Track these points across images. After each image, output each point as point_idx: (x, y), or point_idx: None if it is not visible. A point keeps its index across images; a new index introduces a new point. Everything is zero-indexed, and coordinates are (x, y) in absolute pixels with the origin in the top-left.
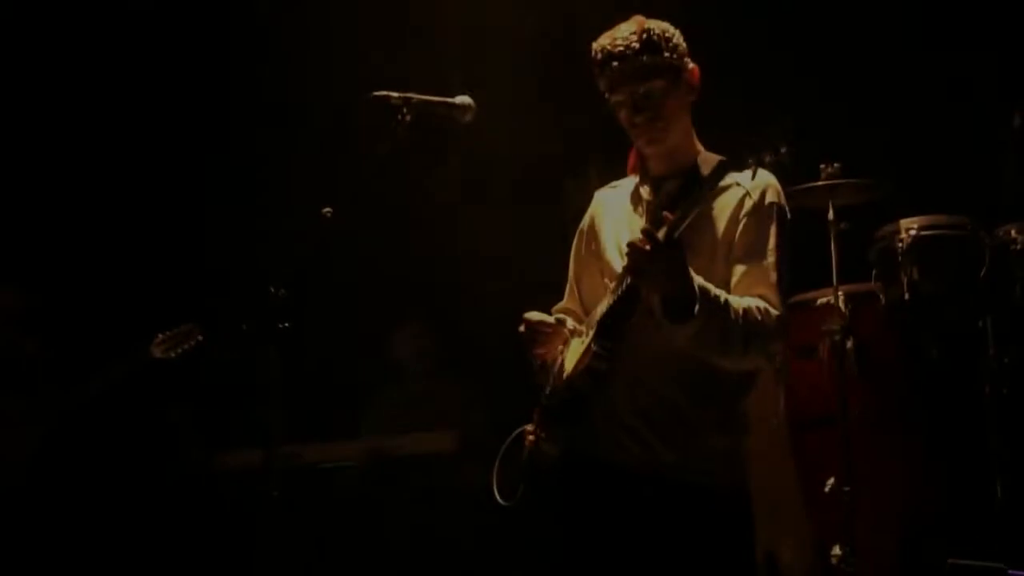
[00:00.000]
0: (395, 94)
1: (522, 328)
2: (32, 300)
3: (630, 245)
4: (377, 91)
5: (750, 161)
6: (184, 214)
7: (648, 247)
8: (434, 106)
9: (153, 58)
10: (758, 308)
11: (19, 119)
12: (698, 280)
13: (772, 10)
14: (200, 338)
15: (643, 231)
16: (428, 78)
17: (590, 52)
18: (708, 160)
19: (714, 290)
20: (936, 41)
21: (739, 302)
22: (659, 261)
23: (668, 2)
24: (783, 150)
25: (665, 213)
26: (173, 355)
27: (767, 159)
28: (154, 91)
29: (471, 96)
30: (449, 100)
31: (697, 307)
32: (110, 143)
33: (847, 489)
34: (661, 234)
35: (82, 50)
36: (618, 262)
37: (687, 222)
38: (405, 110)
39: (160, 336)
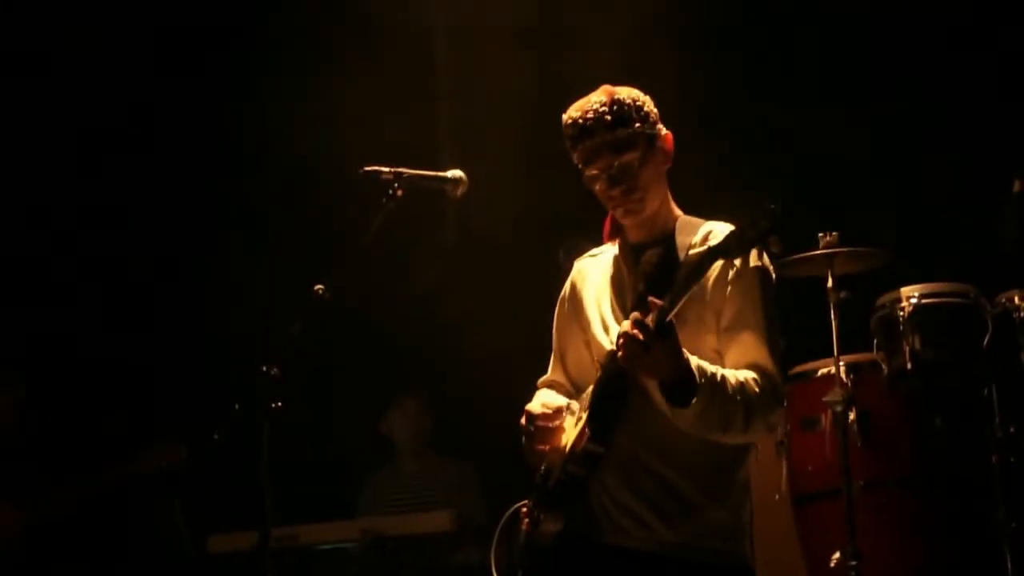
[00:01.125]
0: (386, 169)
1: (524, 422)
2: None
3: (622, 336)
4: (368, 166)
5: (736, 254)
6: (176, 291)
7: (641, 337)
8: (426, 180)
9: (148, 133)
10: (755, 380)
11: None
12: (694, 361)
13: (767, 73)
14: (184, 456)
15: (633, 321)
16: (421, 149)
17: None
18: (687, 224)
19: (710, 368)
20: (935, 107)
21: (735, 377)
22: (653, 349)
23: (660, 69)
24: (771, 239)
25: (652, 299)
26: (154, 471)
27: (754, 251)
28: (144, 162)
29: (462, 168)
30: (440, 174)
31: (697, 391)
32: (101, 219)
33: (853, 563)
34: (651, 320)
35: (76, 128)
36: (604, 337)
37: (677, 308)
38: (396, 184)
39: (143, 451)
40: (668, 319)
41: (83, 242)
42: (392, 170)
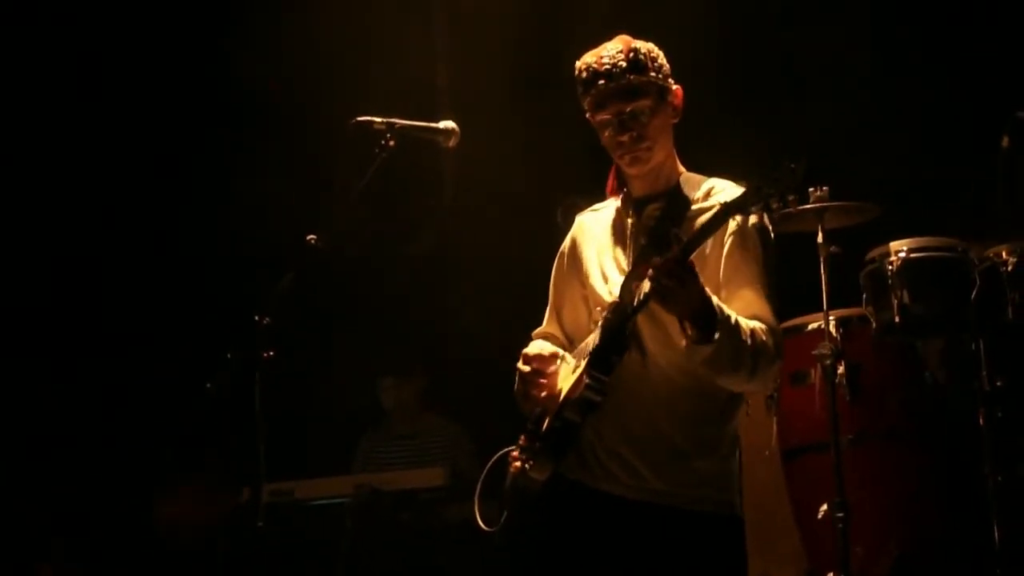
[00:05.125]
0: (378, 119)
1: (524, 366)
2: None
3: (657, 271)
4: (361, 116)
5: (754, 209)
6: (167, 241)
7: (674, 272)
8: (418, 131)
9: (136, 93)
10: (763, 330)
11: None
12: (715, 299)
13: (759, 32)
14: None
15: (664, 259)
16: (419, 103)
17: (574, 70)
18: (690, 180)
19: (727, 309)
20: (925, 65)
21: (747, 323)
22: (687, 284)
23: (655, 26)
24: (791, 198)
25: (675, 231)
26: None
27: (774, 206)
28: (138, 118)
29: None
30: (432, 125)
31: (718, 326)
32: (98, 166)
33: (840, 515)
34: (674, 254)
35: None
36: (603, 288)
37: (692, 254)
38: (389, 135)
39: None
40: (692, 253)
41: (77, 192)
42: (384, 120)
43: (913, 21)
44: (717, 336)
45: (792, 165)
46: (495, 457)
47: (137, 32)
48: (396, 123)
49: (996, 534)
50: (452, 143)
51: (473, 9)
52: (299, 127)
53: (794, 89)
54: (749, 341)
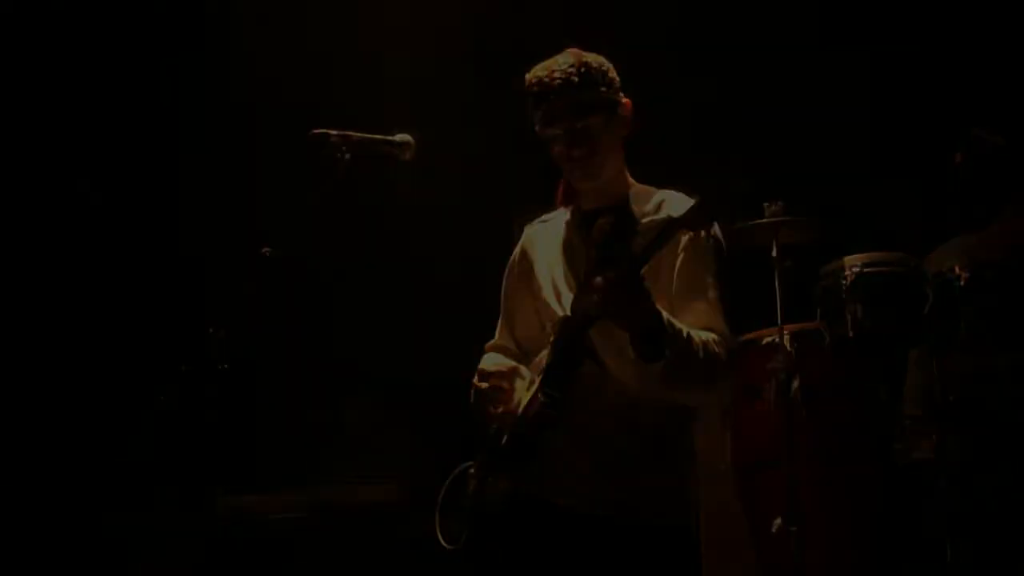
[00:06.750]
0: (334, 131)
1: (481, 382)
2: None
3: (606, 284)
4: (316, 128)
5: (705, 222)
6: (120, 252)
7: (623, 286)
8: (374, 144)
9: (91, 104)
10: (715, 341)
11: None
12: (665, 315)
13: (710, 46)
14: None
15: (613, 273)
16: (372, 116)
17: (524, 83)
18: (641, 193)
19: (678, 324)
20: (881, 82)
21: (699, 336)
22: (636, 298)
23: (604, 38)
24: (738, 215)
25: (627, 246)
26: None
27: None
28: (93, 129)
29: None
30: (388, 138)
31: (668, 343)
32: (52, 179)
33: (793, 529)
34: (624, 270)
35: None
36: (555, 303)
37: (651, 259)
38: (344, 148)
39: None
40: (642, 270)
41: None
42: (340, 132)
43: (869, 37)
44: (667, 353)
45: (740, 183)
46: (454, 473)
47: (85, 41)
48: (352, 135)
49: (948, 549)
50: (408, 156)
51: (433, 15)
52: (255, 138)
53: (748, 105)
54: (701, 354)
